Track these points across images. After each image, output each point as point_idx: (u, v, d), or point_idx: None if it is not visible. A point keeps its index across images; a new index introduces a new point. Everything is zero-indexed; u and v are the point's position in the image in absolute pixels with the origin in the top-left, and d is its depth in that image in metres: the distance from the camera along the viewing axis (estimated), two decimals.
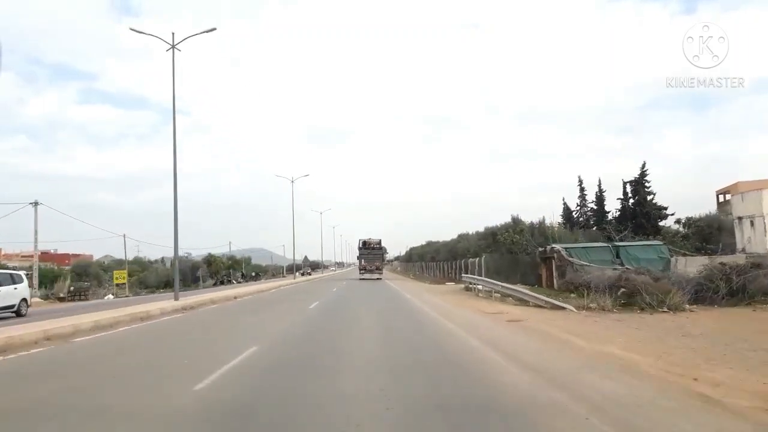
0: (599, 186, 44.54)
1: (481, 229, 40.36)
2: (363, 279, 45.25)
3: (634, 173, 36.69)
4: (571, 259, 24.39)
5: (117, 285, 42.97)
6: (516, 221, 30.54)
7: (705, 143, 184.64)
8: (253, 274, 77.64)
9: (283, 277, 69.57)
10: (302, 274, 68.61)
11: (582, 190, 49.27)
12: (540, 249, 27.01)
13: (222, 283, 62.19)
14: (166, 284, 52.14)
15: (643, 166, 40.36)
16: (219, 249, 79.97)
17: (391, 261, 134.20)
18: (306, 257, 57.92)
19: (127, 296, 39.78)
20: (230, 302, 22.67)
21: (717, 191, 49.91)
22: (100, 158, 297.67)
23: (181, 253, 69.56)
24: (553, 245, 25.58)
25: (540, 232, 29.43)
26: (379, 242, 49.94)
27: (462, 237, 40.71)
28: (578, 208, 44.89)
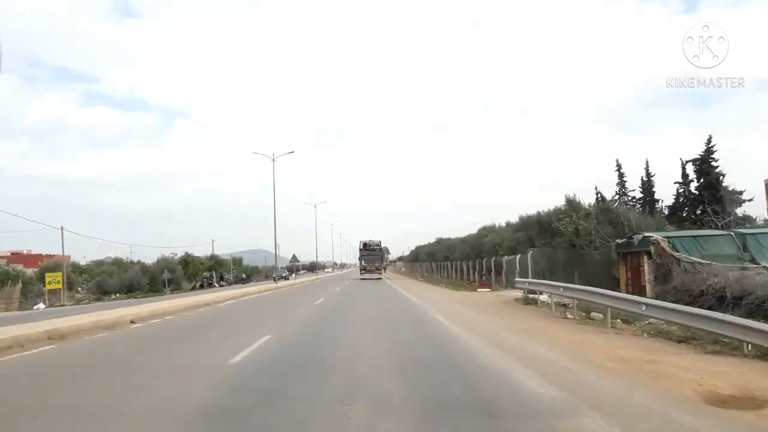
0: (647, 170, 36.55)
1: (514, 219, 32.24)
2: (364, 279, 45.71)
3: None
4: (675, 254, 16.12)
5: (62, 289, 34.76)
6: (572, 203, 22.26)
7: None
8: (244, 276, 69.30)
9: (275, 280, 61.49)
10: (275, 280, 47.75)
11: (621, 176, 41.38)
12: (619, 240, 18.72)
13: (202, 286, 53.93)
14: (130, 288, 44.00)
15: (709, 141, 32.33)
16: (218, 250, 73.19)
17: (394, 261, 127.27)
18: (294, 256, 49.26)
19: (62, 305, 31.64)
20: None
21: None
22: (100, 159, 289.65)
23: (166, 252, 61.45)
24: (646, 234, 17.27)
25: (604, 216, 21.18)
26: (379, 243, 51.17)
27: (487, 230, 32.56)
28: (617, 197, 37.19)
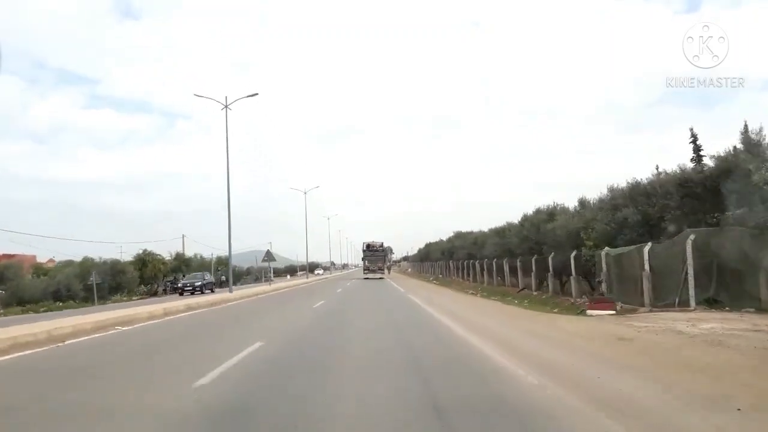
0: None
1: (571, 201, 21.68)
2: (367, 278, 45.99)
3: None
4: None
5: None
6: (752, 144, 11.62)
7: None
8: (223, 278, 58.66)
9: (269, 282, 50.59)
10: (180, 292, 34.92)
11: (697, 147, 30.88)
12: None
13: (165, 291, 43.39)
14: (58, 296, 33.53)
15: None
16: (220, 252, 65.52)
17: (398, 261, 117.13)
18: (269, 252, 37.90)
19: None
20: None
21: None
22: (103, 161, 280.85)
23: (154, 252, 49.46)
24: None
25: None
26: (382, 245, 52.13)
27: (548, 211, 21.67)
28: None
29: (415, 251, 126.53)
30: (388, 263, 78.56)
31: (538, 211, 23.73)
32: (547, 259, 20.04)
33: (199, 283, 37.06)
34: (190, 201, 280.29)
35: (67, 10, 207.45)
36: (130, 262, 41.02)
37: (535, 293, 21.16)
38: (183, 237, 48.97)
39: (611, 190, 18.22)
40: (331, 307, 18.83)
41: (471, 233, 39.32)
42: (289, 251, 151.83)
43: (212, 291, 37.36)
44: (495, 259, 28.79)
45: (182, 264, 48.82)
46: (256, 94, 29.14)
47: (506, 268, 26.64)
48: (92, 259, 39.20)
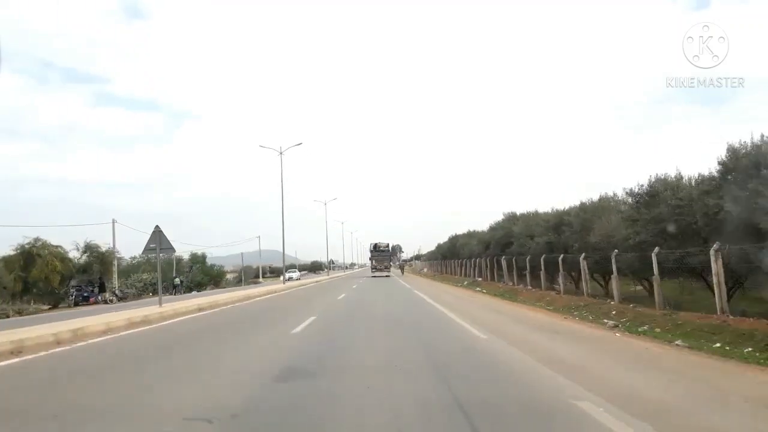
0: None
1: None
2: (375, 277, 48.10)
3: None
4: None
5: None
6: None
7: None
8: (180, 281, 44.20)
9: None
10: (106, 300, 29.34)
11: None
12: None
13: (76, 304, 29.25)
14: None
15: None
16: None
17: (408, 261, 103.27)
18: (157, 234, 23.68)
19: None
20: None
21: None
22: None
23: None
24: None
25: None
26: (388, 245, 55.70)
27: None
28: None
29: (423, 249, 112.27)
30: (399, 262, 77.59)
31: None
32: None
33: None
34: None
35: None
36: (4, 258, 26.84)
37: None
38: (113, 222, 34.21)
39: None
40: None
41: (547, 213, 23.87)
42: (292, 249, 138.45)
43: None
44: (571, 255, 13.91)
45: (97, 262, 33.86)
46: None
47: (610, 269, 12.21)
48: None
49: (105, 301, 30.78)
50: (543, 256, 20.03)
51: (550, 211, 22.57)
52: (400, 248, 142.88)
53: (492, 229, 30.34)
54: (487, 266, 30.06)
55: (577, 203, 19.57)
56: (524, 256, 23.08)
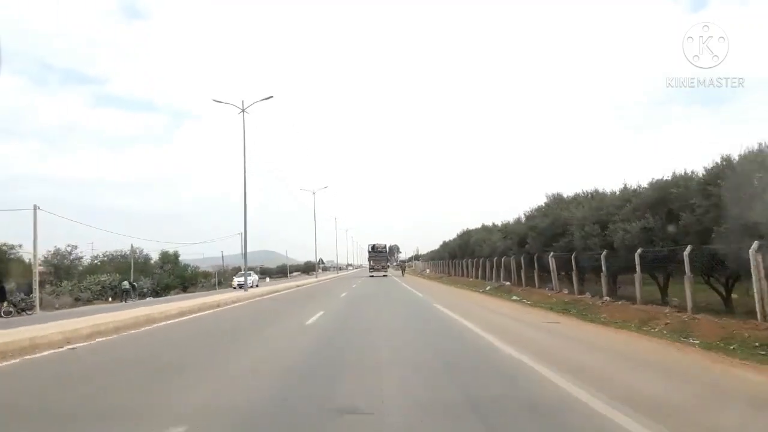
0: None
1: None
2: (372, 276, 49.82)
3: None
4: None
5: None
6: None
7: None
8: (125, 286, 36.12)
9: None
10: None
11: None
12: None
13: None
14: None
15: None
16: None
17: (406, 261, 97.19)
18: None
19: None
20: None
21: None
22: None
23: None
24: None
25: None
26: (385, 246, 58.51)
27: None
28: None
29: (421, 250, 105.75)
30: (397, 263, 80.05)
31: None
32: None
33: None
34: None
35: None
36: None
37: None
38: (35, 208, 26.25)
39: None
40: None
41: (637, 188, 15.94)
42: (289, 250, 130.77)
43: None
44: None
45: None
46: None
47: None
48: None
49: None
50: (639, 251, 12.64)
51: (636, 187, 15.10)
52: (398, 248, 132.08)
53: (529, 218, 22.78)
54: (521, 267, 22.58)
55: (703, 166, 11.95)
56: (590, 252, 15.75)
